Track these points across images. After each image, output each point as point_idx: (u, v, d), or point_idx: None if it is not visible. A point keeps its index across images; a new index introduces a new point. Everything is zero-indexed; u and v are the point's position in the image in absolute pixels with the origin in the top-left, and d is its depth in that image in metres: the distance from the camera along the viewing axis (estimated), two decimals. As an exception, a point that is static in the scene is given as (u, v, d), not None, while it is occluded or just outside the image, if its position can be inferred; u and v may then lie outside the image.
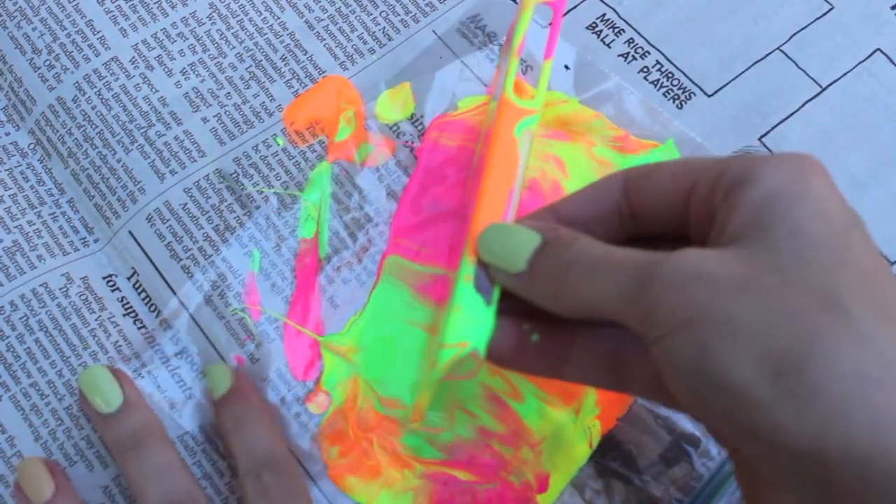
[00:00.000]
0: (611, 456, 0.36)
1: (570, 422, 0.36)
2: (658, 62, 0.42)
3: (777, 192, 0.25)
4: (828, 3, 0.44)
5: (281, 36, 0.43)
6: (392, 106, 0.41)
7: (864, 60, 0.43)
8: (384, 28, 0.43)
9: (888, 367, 0.22)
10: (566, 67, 0.42)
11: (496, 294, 0.30)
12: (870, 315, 0.23)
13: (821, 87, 0.42)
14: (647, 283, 0.25)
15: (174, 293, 0.38)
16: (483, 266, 0.30)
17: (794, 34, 0.43)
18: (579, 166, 0.40)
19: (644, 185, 0.29)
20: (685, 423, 0.36)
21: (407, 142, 0.41)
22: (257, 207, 0.40)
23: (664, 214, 0.28)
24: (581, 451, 0.36)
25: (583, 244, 0.28)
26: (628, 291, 0.26)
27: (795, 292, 0.23)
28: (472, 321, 0.30)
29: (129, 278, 0.39)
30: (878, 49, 0.43)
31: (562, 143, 0.40)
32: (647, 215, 0.29)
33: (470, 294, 0.30)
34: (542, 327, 0.31)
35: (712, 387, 0.24)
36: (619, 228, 0.29)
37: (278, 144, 0.41)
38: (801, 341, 0.23)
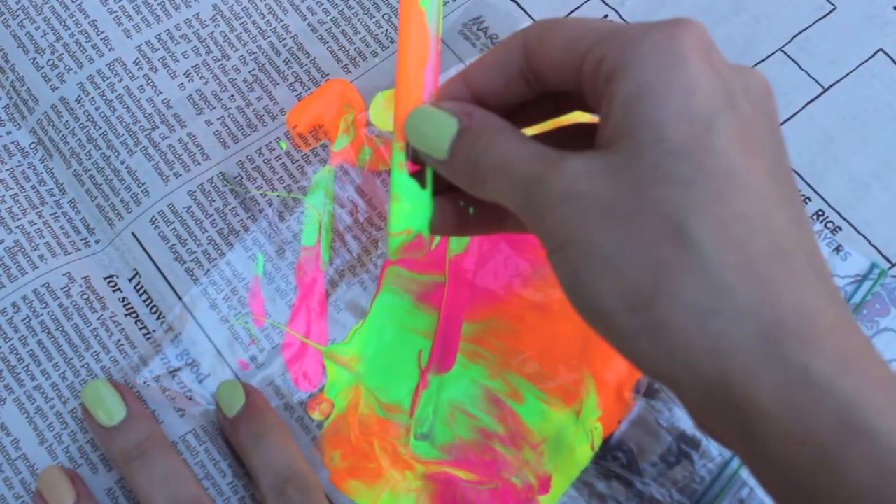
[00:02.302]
0: (612, 458, 0.36)
1: (571, 423, 0.36)
2: (660, 63, 0.42)
3: (645, 87, 0.25)
4: (830, 3, 0.44)
5: (284, 39, 0.43)
6: (388, 111, 0.41)
7: (866, 61, 0.42)
8: (387, 31, 0.43)
9: (725, 295, 0.23)
10: None
11: (429, 176, 0.31)
12: (714, 240, 0.23)
13: (823, 87, 0.42)
14: (533, 198, 0.26)
15: (179, 298, 0.39)
16: (413, 150, 0.31)
17: (797, 34, 0.43)
18: None
19: (541, 50, 0.28)
20: (686, 425, 0.36)
21: None
22: (261, 211, 0.40)
23: (562, 79, 0.28)
24: (583, 453, 0.36)
25: (487, 140, 0.28)
26: (521, 202, 0.26)
27: (649, 220, 0.24)
28: (412, 206, 0.31)
29: (130, 279, 0.39)
30: (881, 49, 0.43)
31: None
32: (548, 78, 0.29)
33: (405, 181, 0.31)
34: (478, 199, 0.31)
35: (586, 309, 0.25)
36: (528, 89, 0.29)
37: (282, 148, 0.41)
38: (651, 275, 0.24)
